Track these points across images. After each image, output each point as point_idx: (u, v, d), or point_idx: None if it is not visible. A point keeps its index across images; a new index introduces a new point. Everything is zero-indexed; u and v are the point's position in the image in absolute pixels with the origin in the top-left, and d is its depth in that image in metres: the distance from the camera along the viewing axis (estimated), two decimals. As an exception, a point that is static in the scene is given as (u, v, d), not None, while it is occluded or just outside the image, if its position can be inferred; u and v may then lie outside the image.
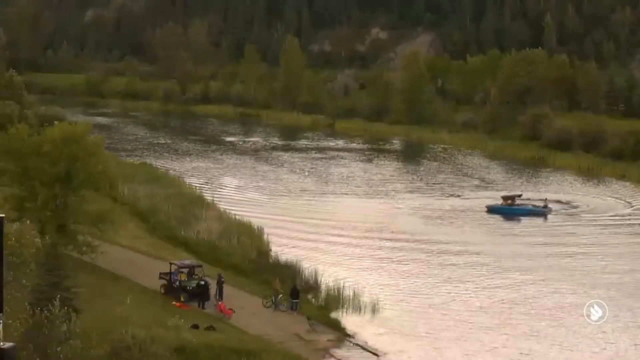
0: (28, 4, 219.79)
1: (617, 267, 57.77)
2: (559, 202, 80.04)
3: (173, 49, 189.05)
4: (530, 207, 74.82)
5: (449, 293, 51.29)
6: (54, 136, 46.78)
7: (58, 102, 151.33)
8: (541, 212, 74.32)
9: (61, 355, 33.24)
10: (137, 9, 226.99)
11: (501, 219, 72.99)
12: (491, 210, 74.51)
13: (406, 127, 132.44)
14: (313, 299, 48.32)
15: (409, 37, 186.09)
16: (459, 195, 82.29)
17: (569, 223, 71.99)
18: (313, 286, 50.28)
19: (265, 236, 59.77)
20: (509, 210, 74.09)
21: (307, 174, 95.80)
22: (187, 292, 45.16)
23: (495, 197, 79.50)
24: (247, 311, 44.55)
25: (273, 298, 45.61)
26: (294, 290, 45.66)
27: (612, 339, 43.66)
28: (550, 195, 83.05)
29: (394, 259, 58.85)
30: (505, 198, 75.66)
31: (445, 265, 57.39)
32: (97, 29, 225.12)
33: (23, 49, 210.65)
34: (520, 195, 76.93)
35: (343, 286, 49.04)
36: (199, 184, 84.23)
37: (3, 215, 14.42)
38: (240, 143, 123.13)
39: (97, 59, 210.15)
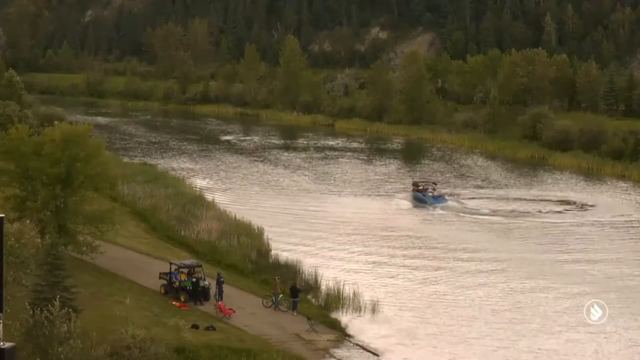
0: (28, 4, 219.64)
1: (618, 266, 57.77)
2: (560, 202, 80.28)
3: (173, 49, 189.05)
4: (429, 195, 77.54)
5: (449, 292, 51.33)
6: (55, 137, 46.78)
7: (58, 102, 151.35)
8: (421, 198, 77.29)
9: (61, 356, 33.27)
10: (137, 9, 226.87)
11: (502, 218, 72.95)
12: (414, 198, 78.66)
13: (406, 127, 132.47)
14: (313, 299, 48.34)
15: (409, 37, 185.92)
16: (458, 195, 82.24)
17: (569, 223, 71.98)
18: (313, 286, 50.33)
19: (265, 236, 59.80)
20: (416, 197, 78.24)
21: (306, 173, 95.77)
22: (187, 292, 45.17)
23: (491, 196, 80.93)
24: (247, 311, 44.56)
25: (273, 298, 45.63)
26: (293, 288, 45.67)
27: (612, 338, 43.71)
28: (550, 195, 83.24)
29: (394, 259, 58.86)
30: (414, 184, 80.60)
31: (445, 265, 57.41)
32: (97, 29, 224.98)
33: (23, 49, 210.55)
34: (435, 184, 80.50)
35: (343, 286, 49.06)
36: (199, 183, 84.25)
37: (3, 215, 14.42)
38: (240, 143, 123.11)
39: (97, 59, 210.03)
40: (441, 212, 74.23)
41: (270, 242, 58.94)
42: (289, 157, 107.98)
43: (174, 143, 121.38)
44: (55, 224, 45.34)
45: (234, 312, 43.54)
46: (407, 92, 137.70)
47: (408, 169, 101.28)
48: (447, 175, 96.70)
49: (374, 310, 46.74)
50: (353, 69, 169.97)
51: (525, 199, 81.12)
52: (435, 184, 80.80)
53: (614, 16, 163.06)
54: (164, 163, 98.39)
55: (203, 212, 63.83)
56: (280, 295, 45.66)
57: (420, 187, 79.30)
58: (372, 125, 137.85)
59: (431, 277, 54.61)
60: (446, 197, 77.70)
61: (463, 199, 79.90)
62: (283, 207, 74.81)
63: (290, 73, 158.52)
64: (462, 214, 73.66)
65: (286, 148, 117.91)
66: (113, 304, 41.70)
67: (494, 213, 74.34)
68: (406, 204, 77.92)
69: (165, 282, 46.06)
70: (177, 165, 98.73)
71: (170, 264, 46.83)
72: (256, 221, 63.02)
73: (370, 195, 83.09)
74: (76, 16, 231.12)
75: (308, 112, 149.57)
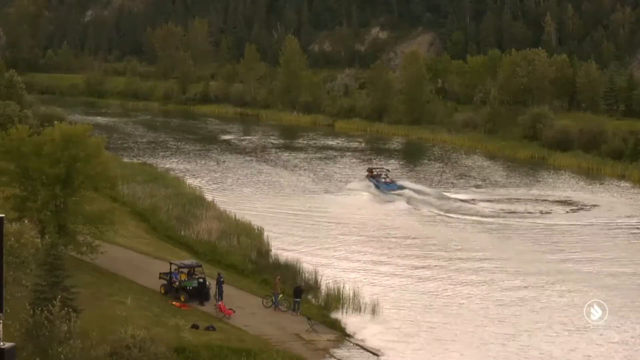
0: (28, 4, 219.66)
1: (618, 266, 57.75)
2: (560, 202, 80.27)
3: (173, 49, 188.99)
4: (382, 181, 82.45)
5: (449, 292, 51.34)
6: (55, 137, 46.79)
7: (58, 102, 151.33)
8: (375, 184, 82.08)
9: (61, 356, 33.27)
10: (137, 9, 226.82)
11: (501, 219, 72.92)
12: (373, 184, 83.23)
13: (406, 127, 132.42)
14: (313, 299, 48.35)
15: (409, 37, 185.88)
16: (458, 194, 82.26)
17: (569, 223, 71.96)
18: (313, 286, 50.33)
19: (265, 236, 59.78)
20: (372, 183, 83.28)
21: (305, 173, 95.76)
22: (189, 292, 45.17)
23: (491, 195, 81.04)
24: (247, 311, 44.57)
25: (273, 298, 45.63)
26: (297, 289, 45.66)
27: (612, 338, 43.71)
28: (549, 195, 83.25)
29: (394, 259, 58.85)
30: (368, 170, 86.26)
31: (445, 265, 57.40)
32: (97, 29, 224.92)
33: (23, 49, 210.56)
34: (388, 170, 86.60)
35: (343, 286, 49.06)
36: (199, 183, 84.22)
37: (3, 215, 14.40)
38: (240, 143, 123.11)
39: (97, 59, 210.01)
40: (407, 205, 76.40)
41: (270, 242, 58.93)
42: (289, 157, 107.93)
43: (174, 143, 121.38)
44: (55, 224, 45.33)
45: (234, 312, 43.54)
46: (407, 92, 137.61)
47: (408, 169, 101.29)
48: (447, 175, 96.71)
49: (374, 310, 46.72)
50: (353, 69, 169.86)
51: (524, 199, 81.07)
52: (389, 171, 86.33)
53: (614, 16, 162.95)
54: (163, 163, 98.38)
55: (203, 212, 63.82)
56: (280, 295, 45.66)
57: (375, 173, 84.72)
58: (372, 125, 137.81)
59: (431, 276, 54.61)
60: (397, 184, 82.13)
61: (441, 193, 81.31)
62: (283, 207, 74.77)
63: (290, 73, 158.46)
64: (419, 203, 76.53)
65: (286, 148, 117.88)
66: (113, 304, 41.70)
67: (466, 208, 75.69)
68: (364, 188, 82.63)
69: (165, 282, 46.08)
70: (177, 165, 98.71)
71: (170, 264, 46.85)
72: (256, 221, 63.02)
73: (372, 195, 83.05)
74: (76, 16, 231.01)
75: (308, 112, 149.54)
